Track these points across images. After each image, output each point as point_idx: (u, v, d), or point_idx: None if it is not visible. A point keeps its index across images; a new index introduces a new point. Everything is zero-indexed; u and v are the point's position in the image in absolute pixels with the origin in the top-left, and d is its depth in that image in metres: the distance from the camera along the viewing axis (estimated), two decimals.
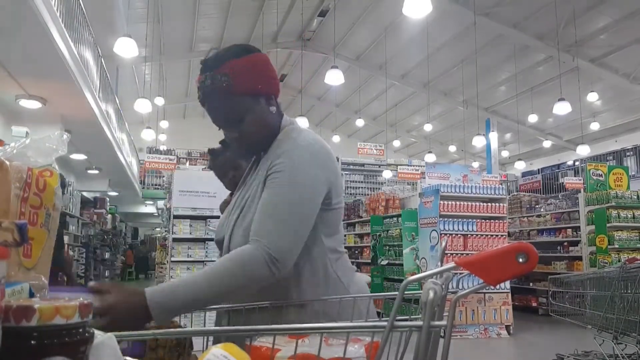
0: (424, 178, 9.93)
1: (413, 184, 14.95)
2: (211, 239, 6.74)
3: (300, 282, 1.22)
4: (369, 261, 9.88)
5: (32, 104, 7.76)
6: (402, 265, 8.55)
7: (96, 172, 13.17)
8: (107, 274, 17.19)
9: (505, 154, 20.57)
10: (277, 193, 1.18)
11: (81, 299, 0.53)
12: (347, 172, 16.24)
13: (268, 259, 1.09)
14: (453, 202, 7.58)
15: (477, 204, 7.78)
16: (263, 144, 1.32)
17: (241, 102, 1.26)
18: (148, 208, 22.81)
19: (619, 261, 6.97)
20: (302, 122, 10.07)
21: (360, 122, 19.37)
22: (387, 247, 9.36)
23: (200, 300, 1.07)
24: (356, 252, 11.01)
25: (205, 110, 1.33)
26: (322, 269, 1.25)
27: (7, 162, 0.73)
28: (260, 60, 1.33)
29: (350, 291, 1.26)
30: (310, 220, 1.19)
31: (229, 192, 2.07)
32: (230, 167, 1.90)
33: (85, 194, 14.77)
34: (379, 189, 13.59)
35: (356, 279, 1.34)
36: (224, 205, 2.00)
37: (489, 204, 7.85)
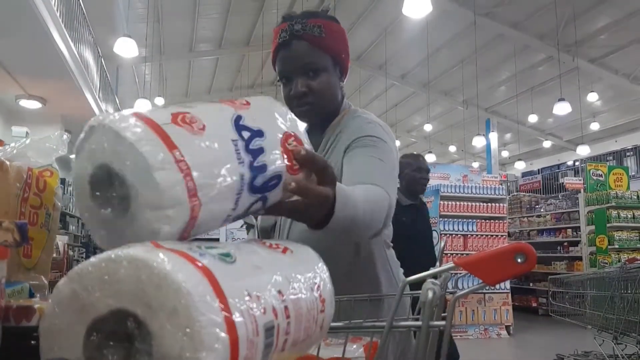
0: None
1: None
2: (211, 239, 6.72)
3: (361, 273, 1.21)
4: None
5: (32, 104, 7.76)
6: None
7: None
8: None
9: (505, 154, 20.57)
10: (377, 152, 1.13)
11: None
12: None
13: (388, 209, 1.04)
14: (453, 202, 7.58)
15: (477, 204, 7.78)
16: (324, 112, 1.26)
17: (324, 58, 1.22)
18: None
19: (619, 261, 6.96)
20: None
21: None
22: None
23: (358, 213, 0.91)
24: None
25: (279, 57, 1.23)
26: (380, 259, 1.25)
27: (7, 162, 0.73)
28: (344, 33, 1.30)
29: (397, 286, 1.23)
30: (396, 176, 1.22)
31: None
32: None
33: None
34: None
35: (400, 273, 1.33)
36: None
37: (489, 204, 7.85)
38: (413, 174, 3.45)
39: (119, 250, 0.40)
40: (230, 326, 0.38)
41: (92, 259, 0.40)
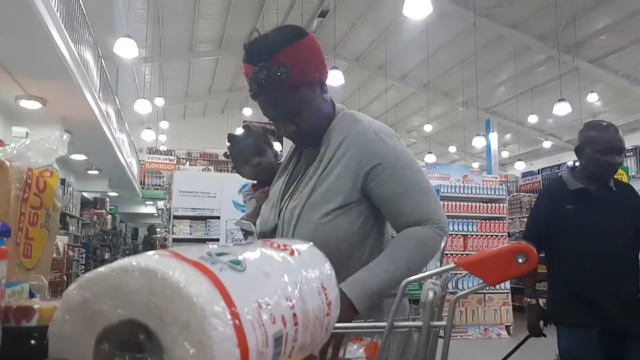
0: None
1: None
2: (211, 239, 6.73)
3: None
4: None
5: (32, 105, 7.76)
6: None
7: (96, 172, 13.17)
8: None
9: (505, 154, 20.57)
10: (407, 179, 1.20)
11: None
12: None
13: (440, 232, 1.17)
14: (453, 203, 7.58)
15: (477, 204, 7.78)
16: (320, 135, 1.28)
17: (299, 93, 1.19)
18: (148, 208, 22.81)
19: None
20: None
21: None
22: None
23: (390, 282, 1.10)
24: None
25: (258, 104, 1.24)
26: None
27: (7, 163, 0.73)
28: (313, 44, 1.23)
29: None
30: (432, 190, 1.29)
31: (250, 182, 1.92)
32: (255, 153, 1.78)
33: (85, 194, 14.77)
34: None
35: None
36: (249, 200, 1.85)
37: (489, 204, 7.85)
38: (595, 157, 2.48)
39: (132, 260, 0.40)
40: (242, 340, 0.38)
41: (104, 268, 0.40)
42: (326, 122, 1.28)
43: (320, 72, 1.24)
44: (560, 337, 2.35)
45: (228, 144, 1.86)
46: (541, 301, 2.56)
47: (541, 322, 2.43)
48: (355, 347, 0.82)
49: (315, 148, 1.29)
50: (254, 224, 1.43)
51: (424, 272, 0.70)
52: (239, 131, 1.90)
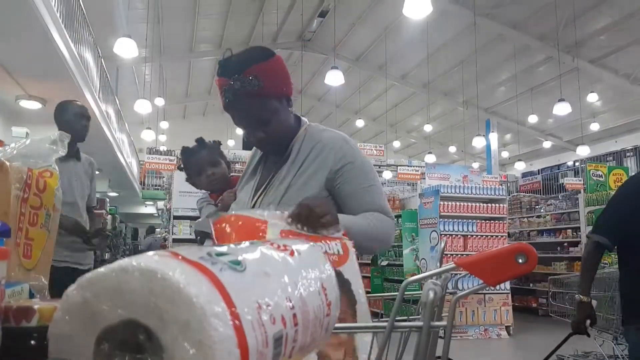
0: (424, 179, 9.93)
1: (413, 185, 14.94)
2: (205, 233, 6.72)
3: None
4: (369, 262, 9.89)
5: (32, 105, 7.76)
6: (402, 265, 8.55)
7: (96, 172, 13.16)
8: None
9: (505, 154, 20.57)
10: (365, 182, 1.39)
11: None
12: None
13: (394, 225, 1.43)
14: (453, 203, 7.57)
15: (477, 204, 7.78)
16: (283, 141, 1.41)
17: (269, 104, 1.32)
18: (148, 209, 22.81)
19: None
20: None
21: (360, 123, 19.37)
22: None
23: (361, 235, 1.20)
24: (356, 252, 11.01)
25: (230, 113, 1.35)
26: None
27: (7, 163, 0.73)
28: (281, 62, 1.38)
29: None
30: None
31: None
32: (208, 164, 1.84)
33: None
34: None
35: None
36: (206, 205, 1.90)
37: (489, 204, 7.85)
38: None
39: (132, 260, 0.39)
40: (242, 340, 0.38)
41: (104, 269, 0.40)
42: (291, 132, 1.42)
43: (287, 87, 1.37)
44: (634, 341, 2.20)
45: (181, 156, 1.93)
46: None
47: (588, 321, 2.31)
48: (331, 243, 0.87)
49: (280, 156, 1.43)
50: None
51: (424, 272, 0.70)
52: (231, 139, 1.94)
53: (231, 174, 1.85)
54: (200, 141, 1.93)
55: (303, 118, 1.50)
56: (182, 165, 1.94)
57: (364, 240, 1.20)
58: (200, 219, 1.71)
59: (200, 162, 1.84)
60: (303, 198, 1.11)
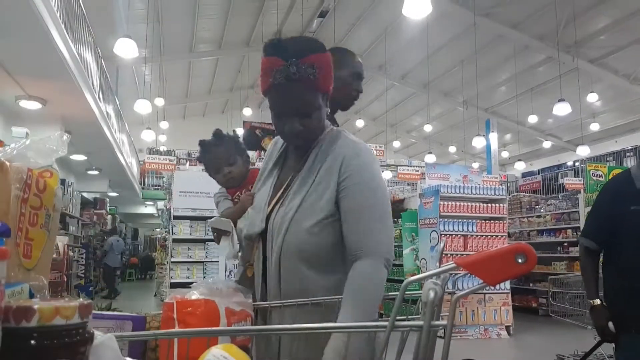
0: (424, 179, 9.93)
1: (413, 185, 14.95)
2: (211, 239, 6.72)
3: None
4: None
5: (32, 105, 7.76)
6: (402, 265, 8.55)
7: (96, 172, 13.17)
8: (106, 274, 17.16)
9: (505, 154, 20.57)
10: (363, 201, 1.26)
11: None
12: None
13: (387, 264, 1.22)
14: (453, 203, 7.58)
15: (477, 204, 7.78)
16: (314, 140, 1.36)
17: (316, 97, 1.28)
18: (148, 209, 22.82)
19: None
20: None
21: (360, 123, 19.37)
22: None
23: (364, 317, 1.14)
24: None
25: (273, 96, 1.29)
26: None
27: (7, 163, 0.73)
28: (330, 59, 1.32)
29: None
30: (391, 214, 1.31)
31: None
32: (226, 163, 1.81)
33: (85, 194, 14.77)
34: None
35: None
36: (223, 200, 1.85)
37: (489, 204, 7.85)
38: None
39: None
40: None
41: None
42: (322, 130, 1.36)
43: (331, 85, 1.32)
44: (622, 346, 2.13)
45: (199, 150, 1.89)
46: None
47: (610, 324, 2.12)
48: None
49: (300, 155, 1.37)
50: (235, 224, 1.44)
51: (424, 272, 0.70)
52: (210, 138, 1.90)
53: (250, 167, 1.81)
54: (217, 135, 1.84)
55: (326, 120, 1.42)
56: (200, 159, 1.91)
57: (370, 313, 1.16)
58: (215, 217, 1.68)
59: (216, 160, 1.79)
60: None
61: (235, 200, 1.73)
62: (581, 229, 9.39)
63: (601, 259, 2.29)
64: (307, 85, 1.23)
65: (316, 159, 1.33)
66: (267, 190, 1.39)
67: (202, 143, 1.88)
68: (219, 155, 1.78)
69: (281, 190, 1.35)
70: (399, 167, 16.10)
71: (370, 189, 1.27)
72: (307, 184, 1.30)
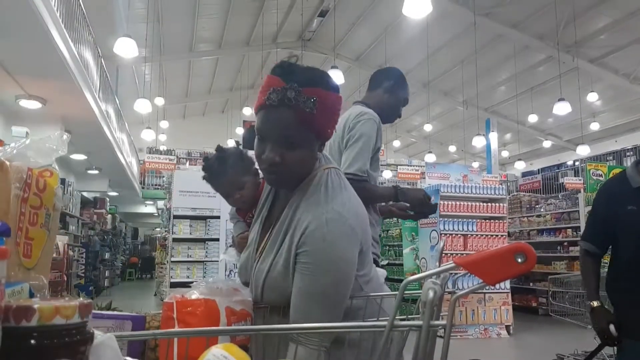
0: (424, 178, 9.94)
1: (413, 184, 14.95)
2: (211, 239, 6.74)
3: None
4: None
5: (32, 104, 7.76)
6: (402, 265, 8.55)
7: (96, 172, 13.17)
8: (107, 274, 17.19)
9: (505, 154, 20.57)
10: (311, 281, 1.11)
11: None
12: None
13: (324, 351, 1.07)
14: (453, 202, 7.58)
15: (477, 204, 7.78)
16: (290, 183, 1.23)
17: (307, 134, 1.15)
18: (148, 208, 22.81)
19: None
20: None
21: None
22: (387, 247, 9.36)
23: None
24: None
25: (261, 116, 1.17)
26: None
27: (7, 163, 0.73)
28: (340, 104, 1.21)
29: (366, 289, 1.22)
30: (347, 294, 1.14)
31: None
32: (235, 188, 1.74)
33: (85, 194, 14.77)
34: None
35: (374, 274, 1.30)
36: (236, 222, 1.78)
37: (489, 204, 7.85)
38: None
39: None
40: None
41: None
42: (303, 176, 1.22)
43: (331, 130, 1.21)
44: (625, 352, 2.09)
45: (204, 173, 1.80)
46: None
47: (612, 326, 2.06)
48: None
49: (287, 194, 1.26)
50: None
51: (424, 272, 0.70)
52: (233, 140, 1.82)
53: (262, 178, 1.71)
54: (220, 158, 1.72)
55: (323, 155, 1.27)
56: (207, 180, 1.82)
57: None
58: (228, 248, 1.70)
59: (225, 187, 1.70)
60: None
61: (248, 221, 1.69)
62: (581, 228, 9.42)
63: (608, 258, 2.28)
64: (301, 117, 1.11)
65: (290, 212, 1.20)
66: (255, 233, 1.33)
67: (205, 168, 1.79)
68: (227, 182, 1.69)
69: (266, 237, 1.26)
70: (399, 167, 16.11)
71: (323, 272, 1.10)
72: (276, 245, 1.20)
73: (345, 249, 1.12)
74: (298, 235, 1.14)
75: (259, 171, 1.76)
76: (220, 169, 1.70)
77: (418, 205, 2.29)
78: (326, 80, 1.17)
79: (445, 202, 7.52)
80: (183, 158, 19.07)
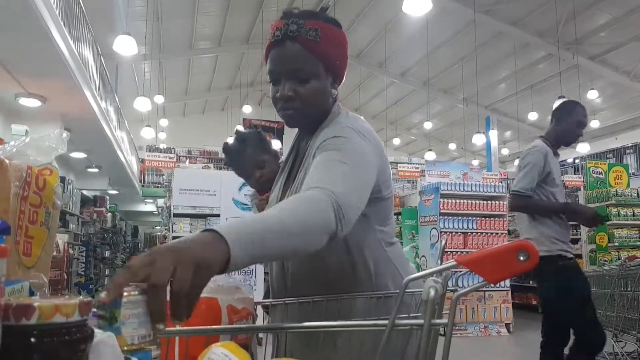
0: (424, 176, 9.94)
1: (413, 182, 14.94)
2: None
3: (357, 272, 1.17)
4: None
5: (32, 102, 7.75)
6: None
7: (96, 170, 13.17)
8: (107, 272, 17.20)
9: (505, 151, 20.58)
10: (333, 154, 1.05)
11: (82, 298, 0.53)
12: None
13: (336, 208, 0.90)
14: (453, 200, 7.58)
15: (477, 201, 7.78)
16: (309, 118, 1.21)
17: (315, 64, 1.16)
18: (148, 206, 22.81)
19: (619, 259, 6.96)
20: None
21: None
22: None
23: (274, 237, 0.80)
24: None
25: (270, 56, 1.18)
26: (379, 258, 1.20)
27: (7, 161, 0.73)
28: (346, 41, 1.24)
29: (390, 254, 1.22)
30: (368, 188, 1.06)
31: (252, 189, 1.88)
32: (256, 167, 1.70)
33: (85, 192, 14.77)
34: None
35: (410, 269, 1.30)
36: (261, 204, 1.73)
37: (489, 201, 7.85)
38: None
39: None
40: None
41: None
42: (320, 113, 1.22)
43: (341, 65, 1.23)
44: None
45: (224, 156, 1.78)
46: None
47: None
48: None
49: (308, 137, 1.25)
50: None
51: (424, 270, 0.70)
52: (232, 139, 1.80)
53: (280, 161, 1.71)
54: (239, 139, 1.74)
55: (337, 104, 1.27)
56: (228, 165, 1.81)
57: (288, 226, 0.82)
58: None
59: (245, 167, 1.71)
60: None
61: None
62: (581, 226, 9.36)
63: None
64: (307, 47, 1.14)
65: (311, 151, 1.19)
66: (277, 191, 1.30)
67: (226, 149, 1.78)
68: (247, 161, 1.70)
69: (288, 190, 1.25)
70: (399, 165, 16.08)
71: (338, 154, 1.05)
72: (296, 184, 1.20)
73: (364, 146, 1.10)
74: (313, 151, 1.14)
75: (278, 153, 1.75)
76: (239, 148, 1.72)
77: (586, 223, 3.12)
78: (326, 16, 1.21)
79: (445, 200, 7.52)
80: (183, 156, 19.07)
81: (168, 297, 0.62)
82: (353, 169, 1.02)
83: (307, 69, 1.16)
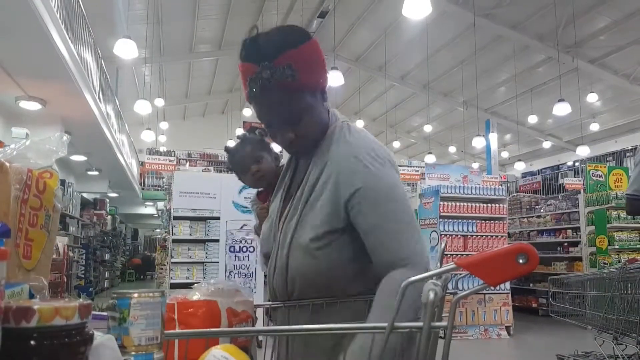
0: (424, 179, 9.94)
1: (413, 185, 14.95)
2: (211, 240, 6.73)
3: (358, 276, 1.16)
4: None
5: (32, 106, 7.76)
6: None
7: (96, 173, 13.17)
8: (107, 275, 17.19)
9: (505, 154, 20.58)
10: (385, 211, 1.08)
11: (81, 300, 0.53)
12: None
13: (425, 269, 1.03)
14: (453, 203, 7.58)
15: (477, 204, 7.78)
16: (314, 143, 1.20)
17: (303, 99, 1.12)
18: (148, 209, 22.81)
19: (619, 262, 6.96)
20: None
21: (360, 123, 19.37)
22: None
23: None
24: None
25: (254, 107, 1.15)
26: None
27: (7, 164, 0.73)
28: (317, 48, 1.15)
29: None
30: (413, 213, 1.14)
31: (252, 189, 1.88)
32: (252, 161, 1.74)
33: (85, 195, 14.77)
34: None
35: None
36: (262, 212, 1.74)
37: (489, 204, 7.85)
38: None
39: None
40: None
41: None
42: (323, 131, 1.20)
43: (323, 77, 1.17)
44: None
45: (227, 155, 1.82)
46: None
47: None
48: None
49: (307, 160, 1.23)
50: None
51: (424, 273, 0.70)
52: (235, 141, 1.85)
53: (281, 164, 1.69)
54: (242, 138, 1.77)
55: (332, 110, 1.24)
56: (229, 166, 1.84)
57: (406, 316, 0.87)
58: (255, 224, 1.68)
59: (242, 161, 1.72)
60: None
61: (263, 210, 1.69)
62: (581, 229, 9.36)
63: None
64: (288, 89, 1.08)
65: (314, 168, 1.18)
66: (279, 200, 1.29)
67: (227, 149, 1.82)
68: (245, 155, 1.72)
69: (290, 202, 1.23)
70: (399, 168, 16.09)
71: (386, 195, 1.09)
72: (302, 201, 1.17)
73: (392, 175, 1.14)
74: (333, 182, 1.12)
75: (278, 156, 1.77)
76: (240, 146, 1.76)
77: None
78: (291, 36, 1.11)
79: (445, 203, 7.52)
80: (183, 159, 19.08)
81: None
82: (411, 220, 1.10)
83: (295, 109, 1.12)
